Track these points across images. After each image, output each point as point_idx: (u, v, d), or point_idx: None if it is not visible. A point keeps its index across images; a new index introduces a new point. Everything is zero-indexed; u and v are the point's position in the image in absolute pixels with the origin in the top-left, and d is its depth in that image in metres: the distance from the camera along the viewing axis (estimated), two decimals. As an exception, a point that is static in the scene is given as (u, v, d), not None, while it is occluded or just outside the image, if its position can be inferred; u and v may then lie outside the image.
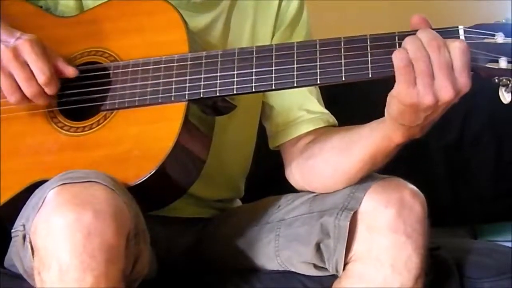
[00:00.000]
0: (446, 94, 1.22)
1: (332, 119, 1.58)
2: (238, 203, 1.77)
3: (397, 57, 1.23)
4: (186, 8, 1.52)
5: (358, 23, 2.38)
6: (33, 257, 1.28)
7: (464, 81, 1.22)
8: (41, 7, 1.54)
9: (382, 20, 2.33)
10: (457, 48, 1.22)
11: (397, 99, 1.26)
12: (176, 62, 1.40)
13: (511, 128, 2.17)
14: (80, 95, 1.44)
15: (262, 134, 1.66)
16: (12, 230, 1.35)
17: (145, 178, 1.35)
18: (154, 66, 1.41)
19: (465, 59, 1.22)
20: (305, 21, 1.63)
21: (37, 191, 1.33)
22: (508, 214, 2.20)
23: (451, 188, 2.22)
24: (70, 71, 1.42)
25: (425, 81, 1.22)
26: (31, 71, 1.37)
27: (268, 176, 1.83)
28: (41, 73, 1.37)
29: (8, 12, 1.46)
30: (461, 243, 1.80)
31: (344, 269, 1.39)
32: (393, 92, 1.26)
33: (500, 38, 1.24)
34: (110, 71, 1.44)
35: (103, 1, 1.50)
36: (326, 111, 1.59)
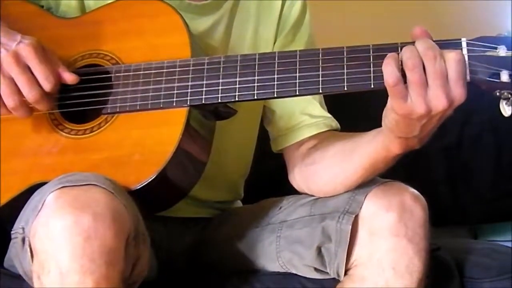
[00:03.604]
0: (439, 103, 1.21)
1: (335, 124, 1.58)
2: (239, 204, 1.77)
3: (387, 72, 1.22)
4: (187, 10, 1.51)
5: (360, 25, 2.38)
6: (32, 260, 1.28)
7: (458, 92, 1.21)
8: (42, 6, 1.53)
9: (383, 21, 2.33)
10: (452, 58, 1.21)
11: (391, 110, 1.26)
12: (178, 67, 1.40)
13: (510, 129, 2.17)
14: (81, 97, 1.43)
15: (263, 136, 1.65)
16: (12, 232, 1.35)
17: (146, 183, 1.34)
18: (156, 71, 1.41)
19: (460, 69, 1.21)
20: (307, 23, 1.62)
21: (36, 193, 1.32)
22: (508, 214, 2.20)
23: (451, 189, 2.22)
24: (70, 78, 1.41)
25: (418, 91, 1.21)
26: (33, 76, 1.36)
27: (269, 177, 1.83)
28: (46, 80, 1.36)
29: (9, 12, 1.45)
30: (461, 243, 1.81)
31: (346, 273, 1.39)
32: (388, 105, 1.26)
33: (502, 51, 1.23)
34: (112, 74, 1.44)
35: (105, 2, 1.50)
36: (328, 115, 1.58)
